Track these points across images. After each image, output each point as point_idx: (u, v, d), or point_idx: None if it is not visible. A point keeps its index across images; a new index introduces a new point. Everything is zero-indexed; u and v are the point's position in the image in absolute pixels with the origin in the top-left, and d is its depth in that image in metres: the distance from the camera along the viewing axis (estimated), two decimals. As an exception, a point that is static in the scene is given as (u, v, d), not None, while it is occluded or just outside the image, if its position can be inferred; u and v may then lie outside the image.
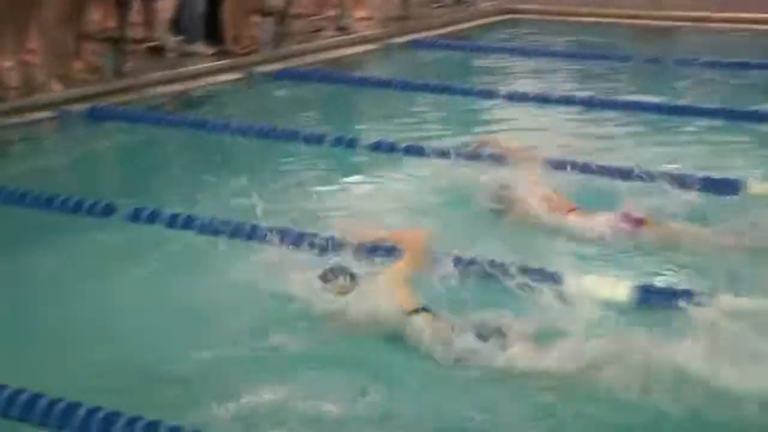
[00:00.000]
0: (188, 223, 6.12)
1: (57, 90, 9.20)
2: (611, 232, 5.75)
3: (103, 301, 5.15)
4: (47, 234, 6.05)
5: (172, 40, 11.00)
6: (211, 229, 6.02)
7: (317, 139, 8.04)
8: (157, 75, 10.05)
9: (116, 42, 10.10)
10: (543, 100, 9.57)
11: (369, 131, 8.28)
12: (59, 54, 9.49)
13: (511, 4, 14.89)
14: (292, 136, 8.18)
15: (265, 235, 5.55)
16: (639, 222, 5.83)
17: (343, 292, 4.87)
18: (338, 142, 7.94)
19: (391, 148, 7.69)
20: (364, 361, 4.42)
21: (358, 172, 7.30)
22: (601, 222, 5.81)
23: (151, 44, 10.87)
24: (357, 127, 8.78)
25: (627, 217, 5.85)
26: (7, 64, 9.40)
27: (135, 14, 10.97)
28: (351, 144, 7.82)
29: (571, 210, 5.98)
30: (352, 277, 4.94)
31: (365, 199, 6.69)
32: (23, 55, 9.65)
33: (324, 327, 4.65)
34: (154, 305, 5.09)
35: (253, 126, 8.39)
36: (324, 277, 4.94)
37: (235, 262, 5.45)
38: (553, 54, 11.92)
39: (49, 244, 5.90)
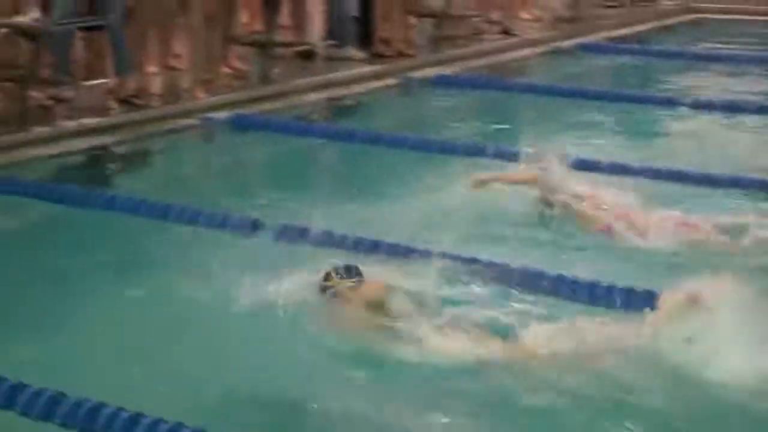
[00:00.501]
0: (341, 241, 6.06)
1: (201, 97, 9.40)
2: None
3: (248, 326, 5.09)
4: (190, 250, 6.07)
5: (322, 45, 11.12)
6: (363, 249, 5.94)
7: (477, 151, 7.87)
8: (305, 81, 10.18)
9: (263, 46, 10.29)
10: (733, 109, 9.21)
11: (534, 143, 7.79)
12: (205, 59, 9.76)
13: (696, 2, 14.53)
14: (449, 148, 8.06)
15: (425, 254, 5.47)
16: (692, 227, 6.03)
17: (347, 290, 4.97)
18: (499, 154, 7.72)
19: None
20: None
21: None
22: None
23: (300, 48, 10.99)
24: (520, 138, 8.50)
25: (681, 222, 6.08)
26: (152, 69, 9.72)
27: (284, 17, 11.11)
28: (513, 157, 7.52)
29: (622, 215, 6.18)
30: (358, 276, 5.02)
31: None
32: (169, 59, 10.03)
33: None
34: (300, 331, 5.00)
35: (407, 137, 8.36)
36: (327, 278, 5.05)
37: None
38: (744, 59, 11.48)
39: (192, 261, 5.86)
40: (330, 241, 6.06)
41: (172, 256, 6.01)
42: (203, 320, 5.17)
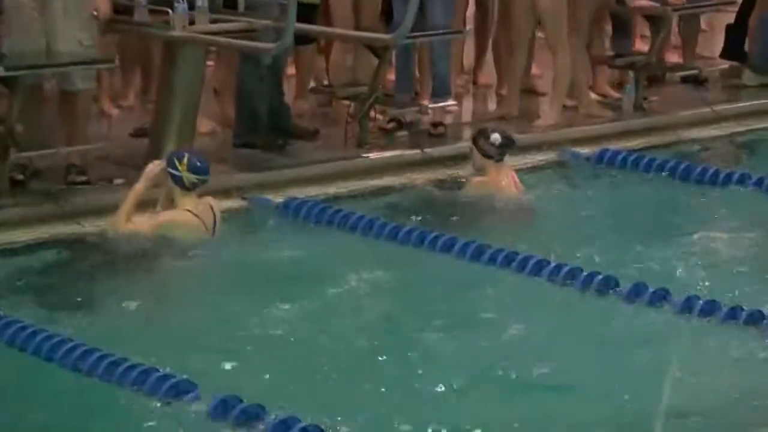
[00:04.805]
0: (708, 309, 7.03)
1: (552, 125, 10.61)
2: None
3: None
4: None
5: (715, 69, 12.14)
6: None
7: None
8: (685, 114, 11.15)
9: (639, 69, 11.16)
10: None
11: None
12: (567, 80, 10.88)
13: None
14: None
15: None
16: None
17: None
18: None
19: None
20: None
21: None
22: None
23: (686, 73, 11.95)
24: None
25: None
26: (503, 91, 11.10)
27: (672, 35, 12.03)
28: None
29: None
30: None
31: None
32: (527, 79, 11.37)
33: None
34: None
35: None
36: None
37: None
38: None
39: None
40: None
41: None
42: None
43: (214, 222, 8.18)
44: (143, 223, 8.08)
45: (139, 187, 8.15)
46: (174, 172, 8.08)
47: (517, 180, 9.08)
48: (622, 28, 11.59)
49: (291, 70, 10.64)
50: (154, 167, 8.20)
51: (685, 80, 11.98)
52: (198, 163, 8.10)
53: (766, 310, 6.98)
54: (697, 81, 11.93)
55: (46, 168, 8.91)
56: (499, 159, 8.96)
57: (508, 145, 8.97)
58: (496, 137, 8.91)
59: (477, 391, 6.22)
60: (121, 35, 9.89)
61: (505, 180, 8.96)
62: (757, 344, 6.76)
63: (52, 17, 8.66)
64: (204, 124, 9.88)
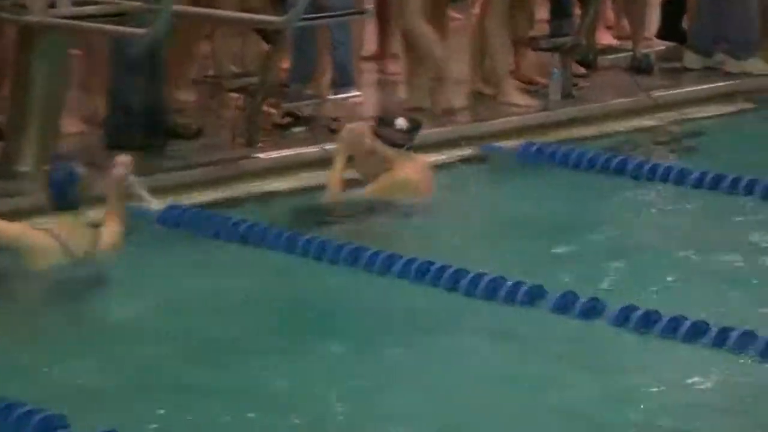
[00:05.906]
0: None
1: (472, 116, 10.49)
2: None
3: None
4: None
5: (651, 51, 11.95)
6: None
7: None
8: (619, 103, 10.98)
9: (566, 53, 11.00)
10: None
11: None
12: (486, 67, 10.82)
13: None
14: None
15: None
16: None
17: None
18: None
19: None
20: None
21: None
22: None
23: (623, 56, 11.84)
24: None
25: None
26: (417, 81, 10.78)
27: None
28: None
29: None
30: None
31: None
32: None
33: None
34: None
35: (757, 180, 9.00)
36: None
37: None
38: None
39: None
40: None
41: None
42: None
43: (92, 246, 7.51)
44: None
45: None
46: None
47: (430, 175, 8.90)
48: (559, 7, 11.41)
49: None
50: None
51: (636, 68, 11.78)
52: (55, 176, 7.45)
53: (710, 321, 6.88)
54: (640, 68, 11.77)
55: None
56: (410, 147, 8.71)
57: (416, 129, 8.76)
58: (401, 122, 8.70)
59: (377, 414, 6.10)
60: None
61: (418, 172, 8.74)
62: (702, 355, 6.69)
63: None
64: (71, 124, 9.58)
